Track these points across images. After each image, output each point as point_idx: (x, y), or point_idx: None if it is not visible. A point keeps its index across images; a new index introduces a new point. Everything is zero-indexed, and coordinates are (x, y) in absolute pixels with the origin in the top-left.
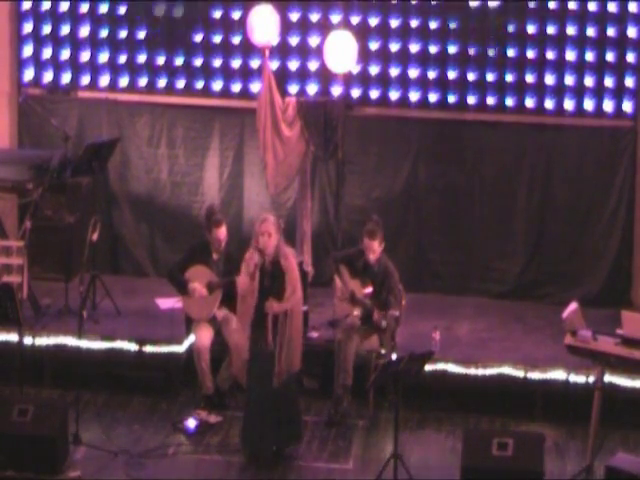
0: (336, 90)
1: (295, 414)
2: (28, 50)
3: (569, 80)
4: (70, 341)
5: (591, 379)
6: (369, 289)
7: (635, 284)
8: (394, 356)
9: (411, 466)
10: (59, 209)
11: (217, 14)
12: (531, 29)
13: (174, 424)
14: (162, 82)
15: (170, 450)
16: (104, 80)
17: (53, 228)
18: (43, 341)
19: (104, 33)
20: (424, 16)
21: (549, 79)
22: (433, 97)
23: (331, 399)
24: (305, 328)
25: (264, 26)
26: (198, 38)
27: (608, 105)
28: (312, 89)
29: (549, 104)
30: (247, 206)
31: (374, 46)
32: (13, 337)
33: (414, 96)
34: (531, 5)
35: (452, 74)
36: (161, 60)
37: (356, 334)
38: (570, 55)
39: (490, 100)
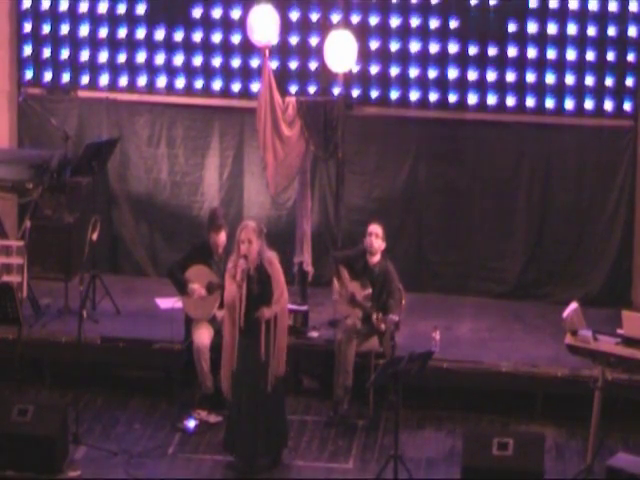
0: (336, 90)
1: (283, 418)
2: (28, 50)
3: (569, 80)
4: (70, 341)
5: (591, 379)
6: (369, 291)
7: (635, 284)
8: (394, 356)
9: (411, 466)
10: (59, 209)
11: (217, 14)
12: (531, 29)
13: (174, 424)
14: (162, 82)
15: (170, 450)
16: (104, 80)
17: (53, 228)
18: (43, 341)
19: (104, 33)
20: (424, 16)
21: (549, 79)
22: (433, 97)
23: (331, 399)
24: (305, 328)
25: (264, 26)
26: (198, 37)
27: (608, 105)
28: (312, 89)
29: (549, 104)
30: (247, 206)
31: (374, 46)
32: (13, 337)
33: (414, 96)
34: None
35: (452, 74)
36: (161, 60)
37: (356, 335)
38: (570, 55)
39: (490, 100)
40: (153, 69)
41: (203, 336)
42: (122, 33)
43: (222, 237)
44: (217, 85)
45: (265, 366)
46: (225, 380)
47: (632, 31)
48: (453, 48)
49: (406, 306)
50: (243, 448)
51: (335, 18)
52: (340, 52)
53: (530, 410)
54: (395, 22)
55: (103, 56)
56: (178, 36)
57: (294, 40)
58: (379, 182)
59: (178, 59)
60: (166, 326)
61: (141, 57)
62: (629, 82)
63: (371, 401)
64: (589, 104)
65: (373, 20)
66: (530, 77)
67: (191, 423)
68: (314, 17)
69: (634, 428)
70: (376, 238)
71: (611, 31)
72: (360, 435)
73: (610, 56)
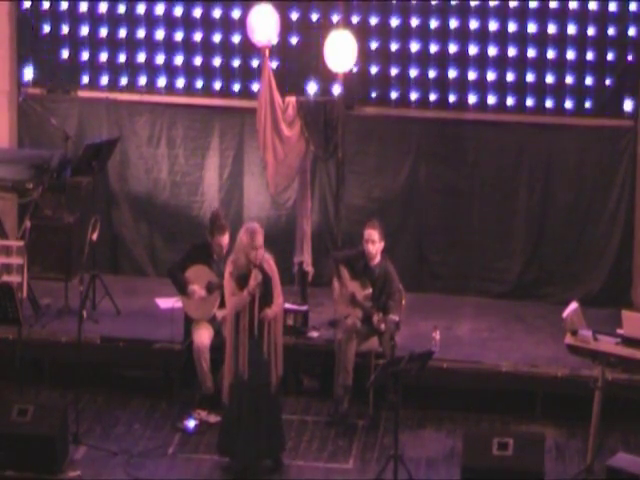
0: (336, 90)
1: (280, 421)
2: (28, 50)
3: (569, 80)
4: (70, 341)
5: (591, 379)
6: (369, 291)
7: (635, 284)
8: (394, 356)
9: (411, 466)
10: (59, 209)
11: (217, 14)
12: (531, 29)
13: (174, 424)
14: (162, 82)
15: (170, 450)
16: (104, 80)
17: (53, 228)
18: (43, 341)
19: (104, 33)
20: (424, 16)
21: (549, 79)
22: (433, 97)
23: (331, 399)
24: (305, 328)
25: (264, 26)
26: (198, 37)
27: (608, 105)
28: (312, 89)
29: (549, 104)
30: (247, 206)
31: (374, 46)
32: (13, 337)
33: (414, 96)
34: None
35: (452, 74)
36: (161, 60)
37: (356, 334)
38: (570, 55)
39: (490, 100)
40: (153, 69)
41: (203, 336)
42: (122, 33)
43: (225, 238)
44: (217, 85)
45: (268, 366)
46: (227, 384)
47: (632, 31)
48: (453, 48)
49: (406, 306)
50: (244, 451)
51: (335, 18)
52: (340, 52)
53: (530, 410)
54: (395, 22)
55: (103, 56)
56: (178, 36)
57: (294, 40)
58: (379, 182)
59: (178, 59)
60: (166, 326)
61: (141, 57)
62: (629, 82)
63: (371, 401)
64: (589, 104)
65: (373, 20)
66: (530, 77)
67: (191, 423)
68: (314, 17)
69: (634, 428)
70: (372, 244)
71: (611, 31)
72: (360, 435)
73: (610, 56)
